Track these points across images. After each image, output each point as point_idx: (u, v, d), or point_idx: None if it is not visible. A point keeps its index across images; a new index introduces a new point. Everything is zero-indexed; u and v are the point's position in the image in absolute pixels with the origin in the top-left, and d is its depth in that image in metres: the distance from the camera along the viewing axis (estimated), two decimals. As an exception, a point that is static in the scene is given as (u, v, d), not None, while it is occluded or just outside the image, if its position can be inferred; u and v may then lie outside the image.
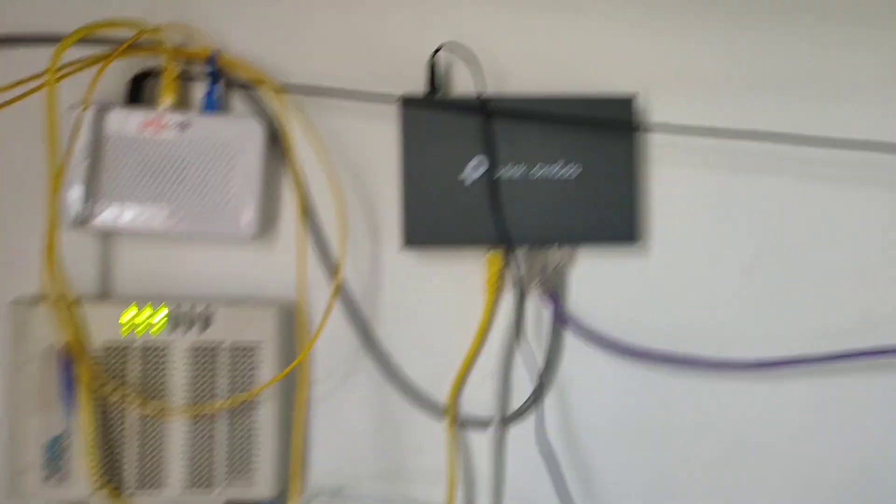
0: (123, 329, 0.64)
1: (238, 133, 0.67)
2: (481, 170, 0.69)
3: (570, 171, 0.69)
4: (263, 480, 0.65)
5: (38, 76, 0.63)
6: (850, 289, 0.74)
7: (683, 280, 0.73)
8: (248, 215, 0.67)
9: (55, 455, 0.63)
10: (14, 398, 0.63)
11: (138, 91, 0.68)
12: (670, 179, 0.73)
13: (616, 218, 0.70)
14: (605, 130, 0.69)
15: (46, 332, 0.63)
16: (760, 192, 0.73)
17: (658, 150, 0.73)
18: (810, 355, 0.72)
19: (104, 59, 0.65)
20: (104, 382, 0.63)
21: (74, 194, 0.65)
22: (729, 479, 0.73)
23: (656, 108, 0.72)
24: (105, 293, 0.68)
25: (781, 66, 0.74)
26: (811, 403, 0.73)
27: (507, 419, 0.71)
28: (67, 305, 0.63)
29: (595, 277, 0.72)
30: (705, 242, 0.73)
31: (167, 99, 0.67)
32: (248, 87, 0.69)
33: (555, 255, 0.71)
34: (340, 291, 0.69)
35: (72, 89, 0.65)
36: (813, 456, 0.73)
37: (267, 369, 0.65)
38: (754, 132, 0.71)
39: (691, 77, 0.73)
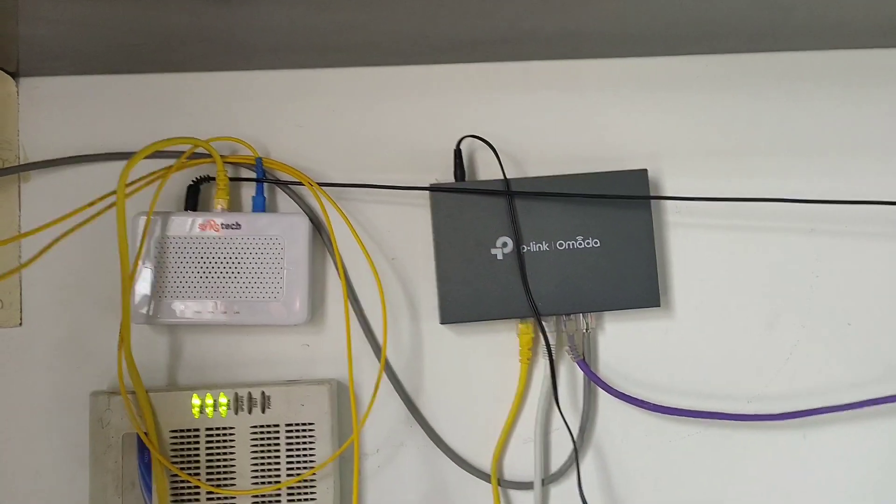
0: (191, 414, 0.70)
1: (285, 228, 0.74)
2: (509, 247, 0.74)
3: (590, 243, 0.75)
4: (325, 550, 0.70)
5: (110, 194, 0.71)
6: (871, 339, 0.77)
7: (707, 338, 0.77)
8: (298, 303, 0.73)
9: (135, 535, 0.69)
10: (96, 483, 0.69)
11: (195, 197, 0.75)
12: (687, 243, 0.77)
13: (638, 283, 0.74)
14: (621, 203, 0.75)
15: (124, 421, 0.69)
16: (776, 248, 0.77)
17: (673, 217, 0.78)
18: (836, 404, 0.75)
19: (165, 171, 0.73)
20: (177, 464, 0.69)
21: (142, 293, 0.72)
22: (767, 527, 0.76)
23: (668, 177, 0.78)
24: (172, 382, 0.75)
25: (783, 129, 0.79)
26: (839, 453, 0.76)
27: (548, 480, 0.75)
28: (140, 396, 0.69)
29: (622, 340, 0.77)
30: (726, 300, 0.77)
31: (220, 202, 0.75)
32: (290, 186, 0.77)
33: (582, 322, 0.76)
34: (385, 368, 0.75)
35: (138, 198, 0.73)
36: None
37: (323, 445, 0.70)
38: (762, 197, 0.75)
39: (699, 146, 0.78)
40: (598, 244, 0.75)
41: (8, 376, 0.74)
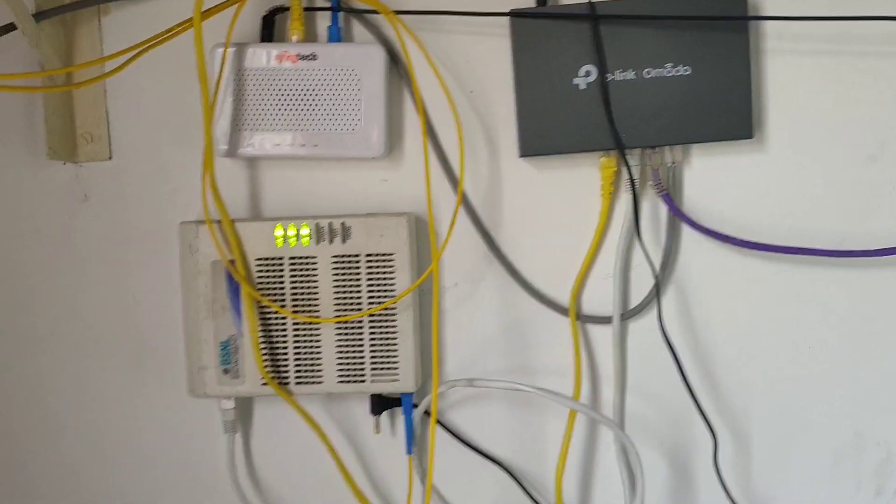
0: (275, 244, 0.72)
1: (361, 58, 0.72)
2: (593, 76, 0.71)
3: (680, 70, 0.70)
4: (405, 376, 0.72)
5: (186, 21, 0.70)
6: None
7: (803, 172, 0.73)
8: (375, 135, 0.72)
9: (227, 355, 0.72)
10: (189, 308, 0.73)
11: (270, 28, 0.74)
12: (786, 72, 0.72)
13: (730, 114, 0.70)
14: (716, 26, 0.69)
15: (211, 248, 0.72)
16: (884, 75, 0.71)
17: (772, 43, 0.72)
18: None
19: (239, 0, 0.72)
20: (262, 292, 0.72)
21: (223, 126, 0.72)
22: (849, 366, 0.74)
23: (769, -1, 0.72)
24: (255, 214, 0.77)
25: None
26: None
27: (626, 314, 0.75)
28: (225, 224, 0.71)
29: (710, 175, 0.73)
30: (826, 132, 0.72)
31: (295, 33, 0.73)
32: (366, 15, 0.74)
33: (668, 155, 0.72)
34: (463, 202, 0.74)
35: (214, 31, 0.71)
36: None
37: (402, 276, 0.71)
38: (873, 15, 0.69)
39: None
40: (689, 71, 0.70)
41: (101, 207, 0.77)
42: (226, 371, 0.73)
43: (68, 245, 0.78)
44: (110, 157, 0.77)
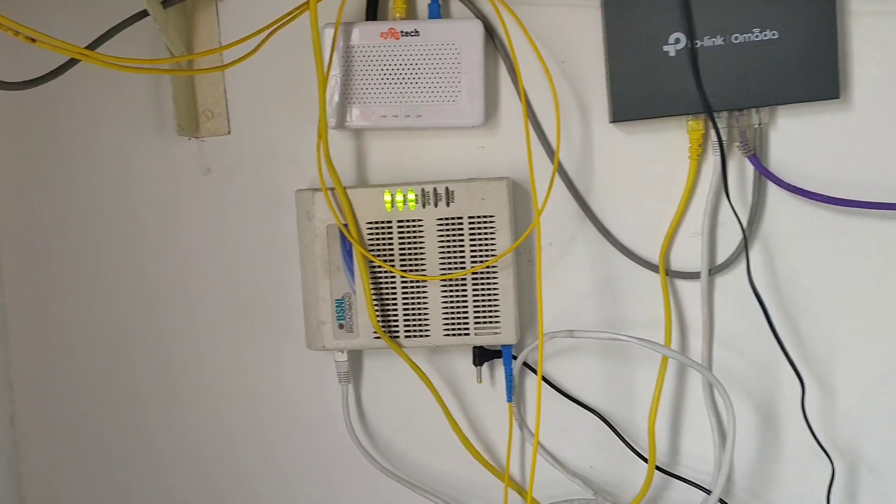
0: (384, 208, 0.77)
1: (460, 33, 0.77)
2: (682, 43, 0.74)
3: (768, 34, 0.73)
4: (506, 329, 0.77)
5: (301, 5, 0.76)
6: None
7: (889, 130, 0.75)
8: (475, 105, 0.77)
9: (343, 311, 0.79)
10: (307, 268, 0.79)
11: (374, 7, 0.79)
12: (871, 30, 0.74)
13: (816, 75, 0.73)
14: (802, -9, 0.72)
15: (326, 213, 0.78)
16: (970, 34, 0.73)
17: (856, 4, 0.74)
18: None
19: (348, -18, 0.77)
20: (373, 252, 0.78)
21: (332, 100, 0.78)
22: (938, 316, 0.77)
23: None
24: (363, 181, 0.82)
25: None
26: None
27: (714, 270, 0.79)
28: (339, 191, 0.77)
29: (797, 136, 0.77)
30: (910, 91, 0.75)
31: (398, 11, 0.78)
32: (463, -8, 0.79)
33: (755, 117, 0.75)
34: (558, 167, 0.79)
35: (323, 12, 0.76)
36: None
37: (503, 236, 0.76)
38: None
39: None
40: (776, 35, 0.73)
41: (223, 179, 0.84)
42: (341, 326, 0.79)
43: (192, 214, 0.85)
44: (229, 132, 0.84)
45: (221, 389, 0.87)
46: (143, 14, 0.78)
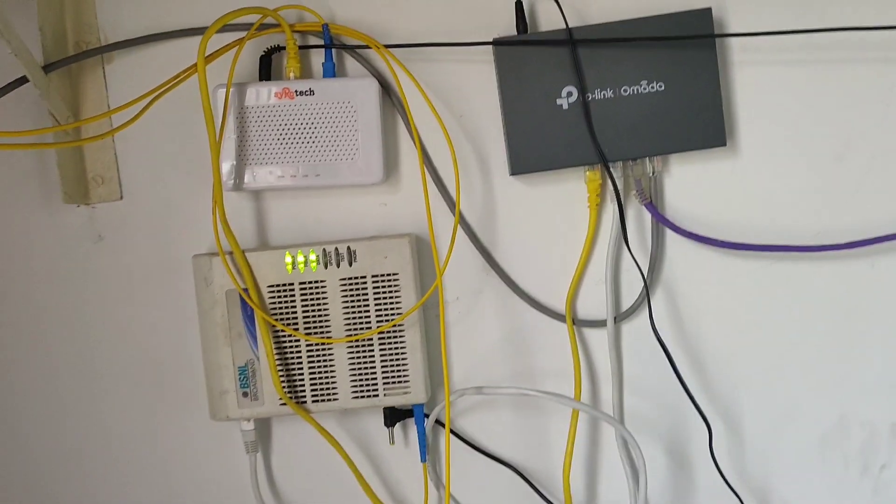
0: (285, 270, 0.75)
1: (356, 91, 0.76)
2: (574, 96, 0.75)
3: (655, 87, 0.75)
4: (416, 388, 0.76)
5: (190, 67, 0.74)
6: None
7: (775, 174, 0.78)
8: (373, 163, 0.76)
9: (246, 379, 0.76)
10: (207, 336, 0.77)
11: (268, 67, 0.78)
12: (753, 82, 0.77)
13: (704, 124, 0.75)
14: (685, 45, 0.74)
15: (225, 279, 0.75)
16: (844, 80, 0.77)
17: (738, 56, 0.77)
18: (904, 231, 0.76)
19: (239, 42, 0.76)
20: (276, 316, 0.76)
21: (227, 162, 0.76)
22: (830, 353, 0.79)
23: (733, 13, 0.77)
24: (264, 243, 0.81)
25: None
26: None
27: (619, 317, 0.79)
28: (237, 255, 0.75)
29: (689, 182, 0.78)
30: (794, 136, 0.78)
31: (292, 70, 0.77)
32: (357, 50, 0.78)
33: (649, 165, 0.77)
34: (460, 221, 0.79)
35: (213, 72, 0.75)
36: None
37: (407, 293, 0.76)
38: (831, 27, 0.74)
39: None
40: (663, 87, 0.75)
41: (116, 246, 0.81)
42: (245, 394, 0.76)
43: (85, 284, 0.81)
44: (121, 198, 0.81)
45: (128, 463, 0.83)
46: (23, 80, 0.75)
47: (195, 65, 0.73)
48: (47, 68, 0.76)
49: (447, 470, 0.76)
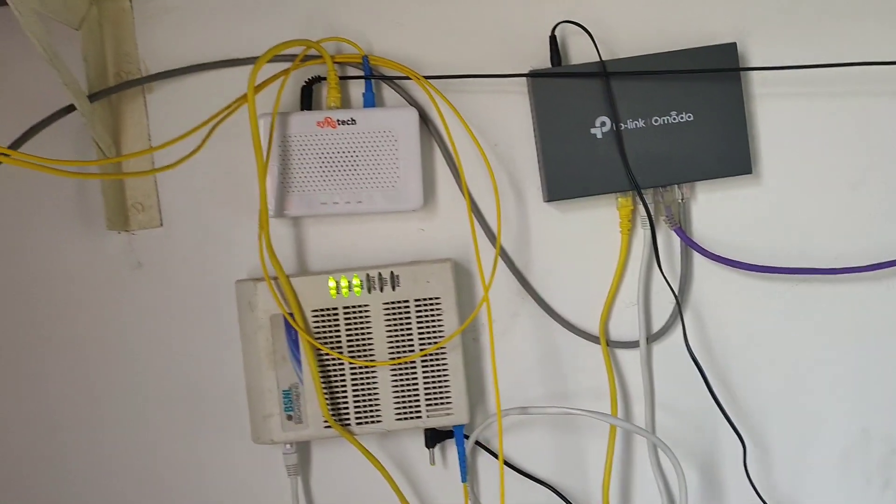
0: (329, 295, 0.77)
1: (397, 121, 0.79)
2: (608, 126, 0.79)
3: (684, 117, 0.79)
4: (458, 409, 0.78)
5: (240, 98, 0.75)
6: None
7: (794, 202, 0.82)
8: (414, 190, 0.79)
9: (290, 402, 0.77)
10: (250, 360, 0.77)
11: (309, 97, 0.80)
12: (774, 113, 0.82)
13: (730, 153, 0.79)
14: (712, 77, 0.78)
15: (269, 303, 0.76)
16: (861, 113, 0.81)
17: (760, 88, 0.82)
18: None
19: (284, 73, 0.78)
20: (320, 340, 0.77)
21: (272, 189, 0.78)
22: (852, 369, 0.83)
23: (755, 48, 0.81)
24: (304, 268, 0.82)
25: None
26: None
27: (651, 338, 0.82)
28: (282, 280, 0.76)
29: (715, 208, 0.82)
30: (813, 165, 0.82)
31: (333, 100, 0.79)
32: (396, 81, 0.81)
33: (678, 192, 0.81)
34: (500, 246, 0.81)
35: (259, 104, 0.76)
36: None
37: (449, 317, 0.77)
38: (848, 62, 0.79)
39: (787, 15, 0.81)
40: (692, 118, 0.79)
41: (155, 272, 0.82)
42: (289, 417, 0.77)
43: (125, 310, 0.82)
44: (161, 224, 0.82)
45: (170, 489, 0.83)
46: (70, 108, 0.76)
47: (244, 95, 0.75)
48: (91, 98, 0.78)
49: (501, 495, 0.77)
